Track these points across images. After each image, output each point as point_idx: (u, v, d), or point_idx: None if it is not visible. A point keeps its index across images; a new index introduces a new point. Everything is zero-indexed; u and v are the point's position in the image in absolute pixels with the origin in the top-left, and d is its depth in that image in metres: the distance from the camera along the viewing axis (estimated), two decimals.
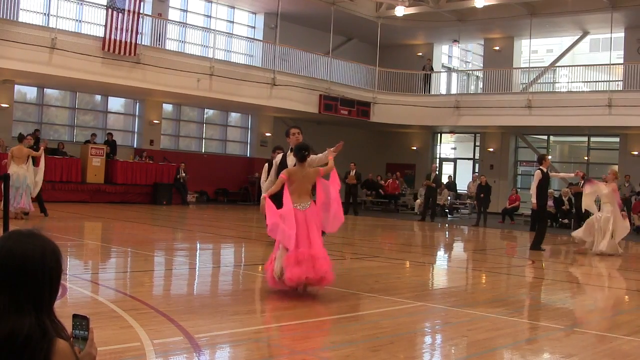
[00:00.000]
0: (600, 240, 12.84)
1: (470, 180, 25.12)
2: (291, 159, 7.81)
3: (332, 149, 7.31)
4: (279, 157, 7.83)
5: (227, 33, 24.17)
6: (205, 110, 25.52)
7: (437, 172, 22.45)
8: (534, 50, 26.87)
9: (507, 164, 26.84)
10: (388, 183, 26.05)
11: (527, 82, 25.73)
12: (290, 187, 6.90)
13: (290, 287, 6.75)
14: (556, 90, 27.65)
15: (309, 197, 6.99)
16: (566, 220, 21.14)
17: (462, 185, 26.79)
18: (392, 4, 24.10)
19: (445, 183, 26.39)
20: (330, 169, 7.23)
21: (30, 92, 21.45)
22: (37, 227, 1.97)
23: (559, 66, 27.25)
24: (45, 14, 19.61)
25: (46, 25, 18.78)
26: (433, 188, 21.80)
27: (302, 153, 6.98)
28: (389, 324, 5.89)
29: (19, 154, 13.91)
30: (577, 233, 13.38)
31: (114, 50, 18.56)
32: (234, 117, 26.71)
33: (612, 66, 24.12)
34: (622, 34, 24.57)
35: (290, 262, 6.62)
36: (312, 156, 7.31)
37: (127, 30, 18.72)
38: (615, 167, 24.77)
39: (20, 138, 14.32)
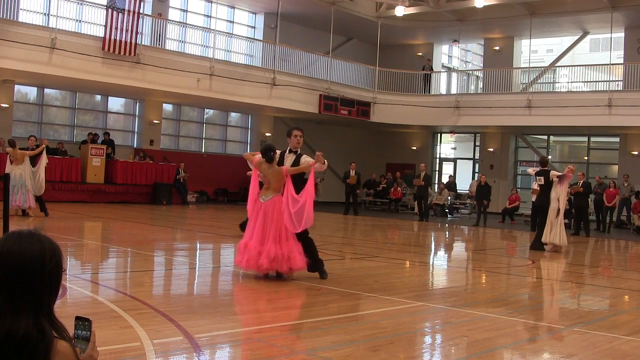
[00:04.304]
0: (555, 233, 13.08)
1: (473, 180, 25.13)
2: (289, 159, 7.98)
3: (313, 161, 7.79)
4: (277, 154, 7.97)
5: (227, 33, 24.17)
6: (205, 110, 25.52)
7: (426, 172, 22.38)
8: (534, 50, 26.87)
9: (507, 164, 26.84)
10: (391, 190, 26.01)
11: (527, 82, 25.72)
12: (264, 183, 7.90)
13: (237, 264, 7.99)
14: (556, 90, 27.67)
15: (274, 193, 7.79)
16: (566, 220, 21.10)
17: (462, 186, 26.79)
18: (392, 4, 24.10)
19: (445, 183, 26.39)
20: (305, 168, 7.87)
21: (30, 92, 21.45)
22: (38, 228, 1.97)
23: (559, 66, 27.25)
24: (45, 14, 19.61)
25: (46, 25, 18.77)
26: (423, 187, 21.79)
27: (269, 155, 7.76)
28: (389, 324, 5.89)
29: (14, 155, 14.16)
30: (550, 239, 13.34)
31: (114, 50, 18.56)
32: (234, 117, 26.71)
33: (612, 66, 24.13)
34: (622, 34, 24.57)
35: (238, 249, 7.88)
36: (307, 158, 7.97)
37: (127, 30, 18.71)
38: (615, 167, 24.81)
39: (12, 144, 14.42)
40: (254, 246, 7.62)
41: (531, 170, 15.04)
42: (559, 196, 13.17)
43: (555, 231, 13.11)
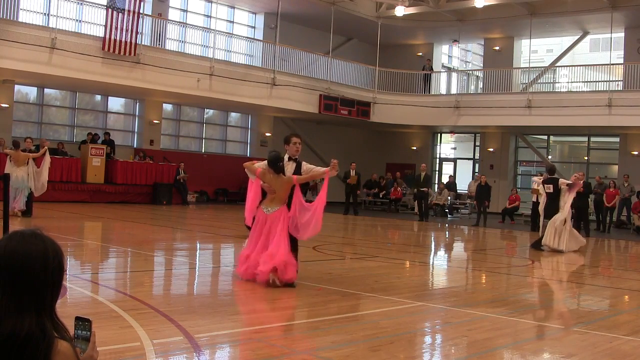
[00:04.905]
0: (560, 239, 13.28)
1: (472, 180, 25.12)
2: (290, 168, 7.67)
3: (328, 168, 7.47)
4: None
5: (227, 33, 24.17)
6: (205, 110, 25.52)
7: (426, 172, 22.36)
8: (534, 50, 26.86)
9: (507, 164, 26.84)
10: (392, 190, 26.02)
11: (527, 82, 25.72)
12: (269, 193, 7.48)
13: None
14: (556, 90, 27.66)
15: (279, 204, 7.40)
16: None
17: (462, 186, 26.79)
18: (392, 4, 24.10)
19: (445, 183, 26.40)
20: (319, 176, 7.61)
21: (30, 92, 21.45)
22: (39, 228, 1.97)
23: (559, 66, 27.25)
24: (45, 14, 19.61)
25: (46, 25, 18.77)
26: (423, 191, 21.82)
27: (278, 165, 7.39)
28: (389, 324, 5.89)
29: (17, 157, 14.07)
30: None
31: (114, 50, 18.56)
32: (234, 117, 26.71)
33: (612, 66, 24.13)
34: (622, 34, 24.57)
35: (240, 260, 7.60)
36: (309, 165, 7.68)
37: (127, 30, 18.71)
38: (615, 167, 24.81)
39: (16, 145, 14.35)
40: (255, 258, 7.36)
41: (537, 179, 15.01)
42: (567, 204, 13.32)
43: (562, 238, 13.21)
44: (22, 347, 1.79)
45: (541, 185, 16.17)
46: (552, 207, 13.55)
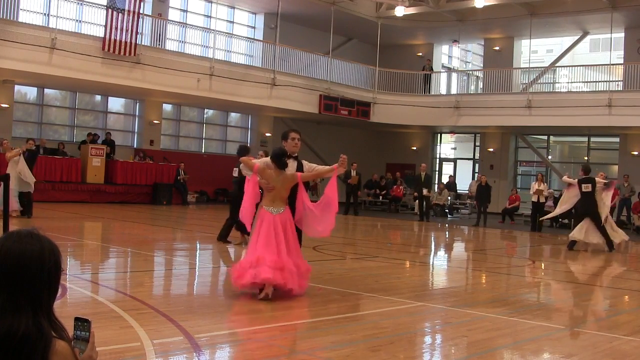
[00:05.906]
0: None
1: (472, 180, 25.10)
2: (290, 165, 7.12)
3: (336, 164, 6.98)
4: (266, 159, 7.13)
5: (227, 33, 24.17)
6: (205, 110, 25.52)
7: (426, 172, 22.33)
8: (534, 50, 26.86)
9: (507, 164, 26.84)
10: (393, 188, 26.05)
11: (527, 82, 25.72)
12: (266, 191, 6.83)
13: (241, 286, 6.69)
14: (556, 90, 27.66)
15: (283, 204, 6.81)
16: (566, 221, 21.14)
17: (462, 186, 26.79)
18: (392, 4, 24.09)
19: (445, 183, 26.40)
20: (327, 173, 7.12)
21: (30, 92, 21.44)
22: (37, 228, 1.97)
23: (559, 66, 27.25)
24: (45, 14, 19.61)
25: (46, 25, 18.78)
26: (423, 191, 21.88)
27: (282, 160, 6.80)
28: (389, 324, 5.89)
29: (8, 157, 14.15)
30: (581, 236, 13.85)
31: (114, 50, 18.56)
32: (234, 117, 26.71)
33: (612, 66, 24.11)
34: (622, 34, 24.57)
35: (245, 265, 6.60)
36: (311, 165, 7.25)
37: (127, 30, 18.71)
38: (615, 167, 24.82)
39: None
40: (264, 257, 6.64)
41: (567, 178, 15.05)
42: (604, 202, 13.81)
43: (603, 231, 13.81)
44: (19, 347, 1.79)
45: (543, 184, 16.41)
46: (588, 205, 13.81)
